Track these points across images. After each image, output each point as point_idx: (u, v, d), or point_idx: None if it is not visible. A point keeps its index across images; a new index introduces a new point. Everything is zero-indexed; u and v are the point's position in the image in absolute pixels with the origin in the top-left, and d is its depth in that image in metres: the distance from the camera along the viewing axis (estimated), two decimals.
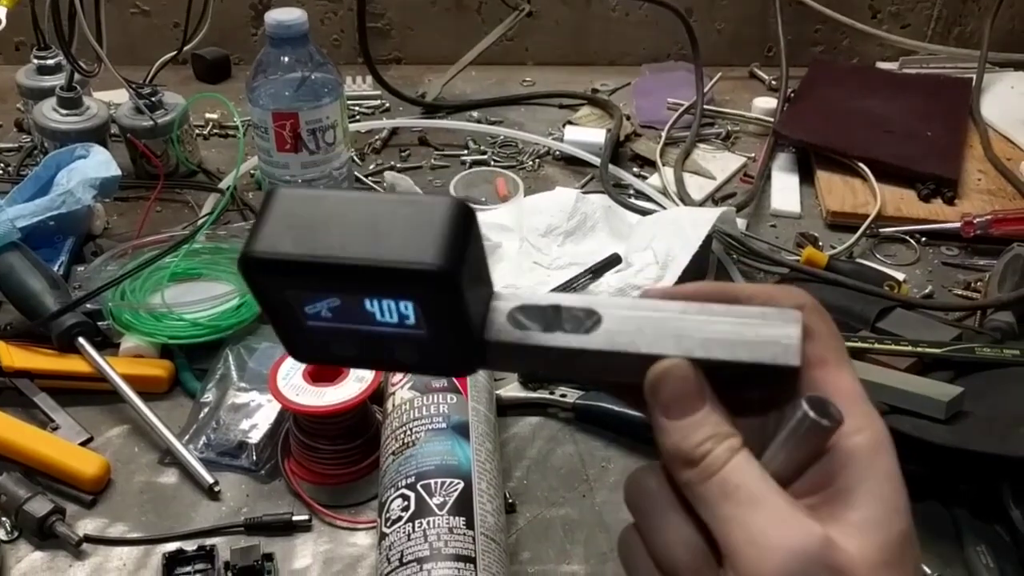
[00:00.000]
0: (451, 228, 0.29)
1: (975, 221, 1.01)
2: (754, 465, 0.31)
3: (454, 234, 0.29)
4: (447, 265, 0.29)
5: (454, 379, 0.70)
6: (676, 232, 0.91)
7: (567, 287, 0.90)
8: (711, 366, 0.32)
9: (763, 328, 0.31)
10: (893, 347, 0.80)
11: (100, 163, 0.95)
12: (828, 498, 0.31)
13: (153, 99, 1.06)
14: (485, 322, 0.33)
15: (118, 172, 0.95)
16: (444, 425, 0.66)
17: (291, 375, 0.70)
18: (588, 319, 0.32)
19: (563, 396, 0.82)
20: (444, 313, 0.31)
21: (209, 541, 0.69)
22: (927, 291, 0.96)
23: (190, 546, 0.69)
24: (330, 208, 0.31)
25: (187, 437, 0.77)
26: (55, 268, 0.90)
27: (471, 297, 0.31)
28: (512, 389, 0.83)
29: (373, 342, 0.33)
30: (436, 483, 0.62)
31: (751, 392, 0.33)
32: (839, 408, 0.30)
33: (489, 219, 0.98)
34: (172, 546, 0.69)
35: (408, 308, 0.31)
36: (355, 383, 0.70)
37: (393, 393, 0.70)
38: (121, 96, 1.13)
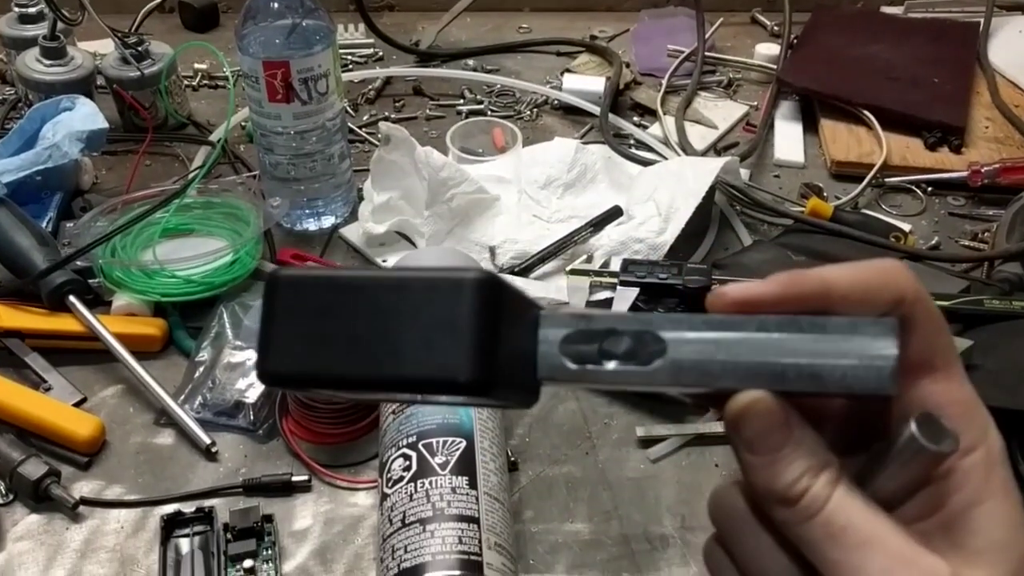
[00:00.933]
0: (479, 324, 0.26)
1: (982, 170, 0.99)
2: (858, 498, 0.28)
3: (483, 330, 0.26)
4: (479, 373, 0.26)
5: None
6: (679, 183, 0.89)
7: (567, 241, 0.88)
8: (796, 395, 0.28)
9: (854, 347, 0.27)
10: None
11: (87, 115, 0.93)
12: (943, 523, 0.28)
13: (139, 49, 1.03)
14: (536, 359, 0.29)
15: (105, 125, 0.93)
16: None
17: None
18: (649, 346, 0.28)
19: None
20: (486, 403, 0.29)
21: (207, 503, 0.68)
22: (933, 242, 0.94)
23: (188, 508, 0.67)
24: (342, 304, 0.28)
25: (182, 397, 0.76)
26: (43, 224, 0.88)
27: (510, 342, 0.28)
28: None
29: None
30: (438, 442, 0.61)
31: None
32: (953, 426, 0.27)
33: (486, 171, 0.96)
34: (170, 508, 0.68)
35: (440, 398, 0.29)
36: None
37: None
38: (107, 46, 1.10)
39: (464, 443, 0.61)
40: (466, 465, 0.60)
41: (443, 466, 0.59)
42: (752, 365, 0.28)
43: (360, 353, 0.27)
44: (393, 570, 0.55)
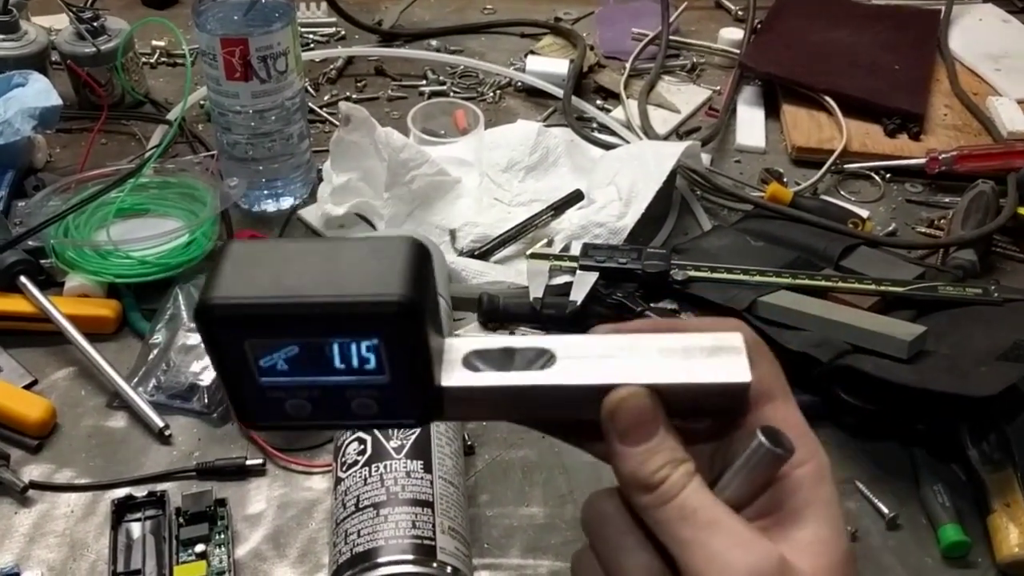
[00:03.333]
0: (411, 263, 0.30)
1: (940, 157, 0.99)
2: (708, 491, 0.32)
3: (414, 268, 0.30)
4: (412, 294, 0.29)
5: None
6: (640, 167, 0.89)
7: (528, 225, 0.88)
8: (665, 392, 0.32)
9: (711, 350, 0.32)
10: (856, 285, 0.79)
11: (39, 92, 0.91)
12: (778, 521, 0.32)
13: (95, 24, 1.01)
14: (440, 369, 0.32)
15: (59, 101, 0.91)
16: None
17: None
18: (541, 357, 0.32)
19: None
20: (407, 349, 0.30)
21: (160, 487, 0.68)
22: (891, 228, 0.95)
23: (140, 492, 0.67)
24: (287, 254, 0.31)
25: (136, 379, 0.75)
26: None
27: (431, 334, 0.31)
28: (471, 330, 0.81)
29: (329, 396, 0.32)
30: (394, 428, 0.60)
31: (699, 422, 0.35)
32: (789, 440, 0.32)
33: (448, 153, 0.95)
34: (121, 492, 0.67)
35: (371, 349, 0.30)
36: None
37: None
38: (61, 21, 1.08)
39: (420, 429, 0.61)
40: (421, 449, 0.60)
41: (398, 450, 0.59)
42: (627, 364, 0.32)
43: (302, 287, 0.29)
44: (346, 555, 0.55)
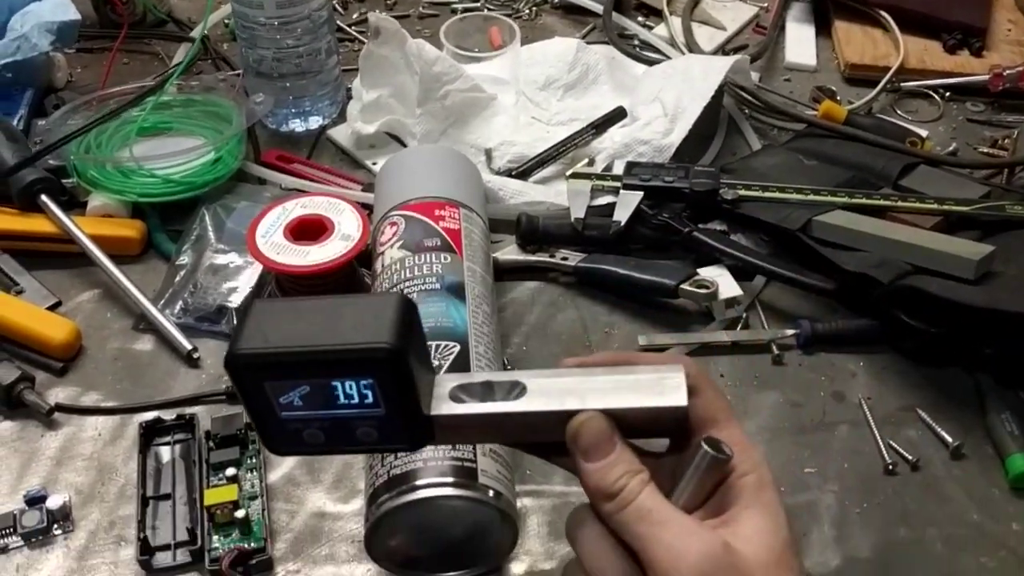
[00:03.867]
0: (397, 316, 0.36)
1: (1004, 74, 0.94)
2: (660, 496, 0.37)
3: (400, 321, 0.36)
4: (397, 343, 0.35)
5: (448, 238, 0.64)
6: (686, 82, 0.84)
7: (568, 144, 0.83)
8: (618, 415, 0.38)
9: (655, 381, 0.38)
10: (918, 204, 0.75)
11: (57, 6, 0.87)
12: (724, 520, 0.37)
13: None
14: (431, 401, 0.38)
15: (77, 16, 0.87)
16: (438, 285, 0.61)
17: (271, 232, 0.65)
18: (515, 389, 0.38)
19: (564, 259, 0.77)
20: (397, 386, 0.36)
21: (189, 410, 0.65)
22: (951, 148, 0.90)
23: (169, 415, 0.65)
24: (299, 311, 0.37)
25: (163, 302, 0.72)
26: (14, 122, 0.84)
27: (418, 374, 0.37)
28: (510, 252, 0.78)
29: (338, 426, 0.38)
30: (431, 346, 0.57)
31: (651, 441, 0.40)
32: (733, 455, 0.38)
33: (482, 71, 0.90)
34: (150, 415, 0.65)
35: (368, 387, 0.36)
36: (340, 241, 0.64)
37: (382, 253, 0.65)
38: None
39: (458, 347, 0.58)
40: (460, 370, 0.57)
41: (436, 371, 0.56)
42: (585, 393, 0.38)
43: (308, 338, 0.36)
44: (383, 477, 0.52)
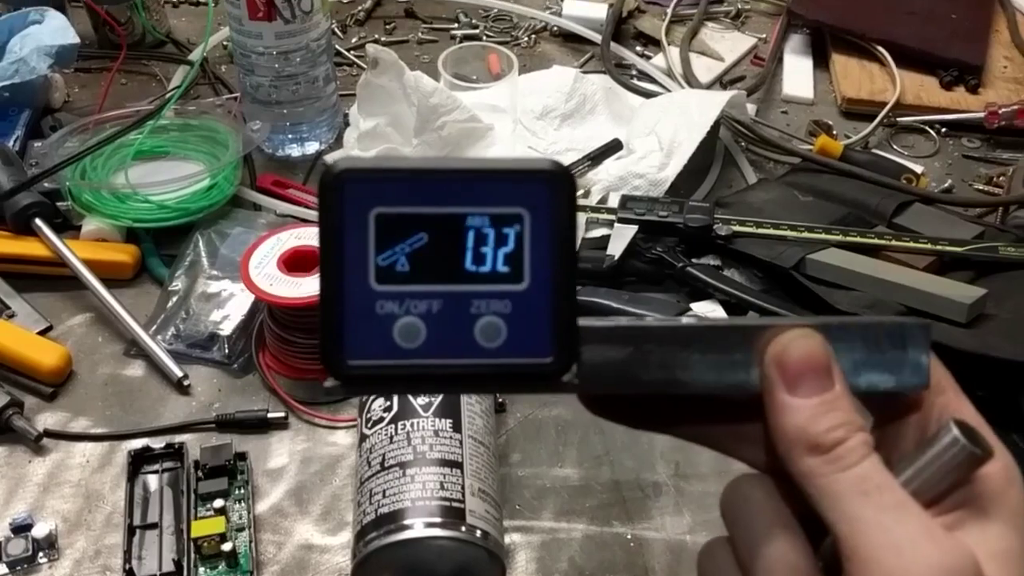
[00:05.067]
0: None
1: (1000, 111, 0.94)
2: (889, 471, 0.27)
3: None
4: (566, 169, 0.27)
5: None
6: (682, 116, 0.84)
7: None
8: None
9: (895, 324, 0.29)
10: (911, 244, 0.75)
11: (56, 29, 0.87)
12: (961, 520, 0.28)
13: None
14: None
15: (76, 40, 0.87)
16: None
17: (265, 263, 0.65)
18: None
19: None
20: (557, 231, 0.26)
21: (178, 438, 0.65)
22: (946, 185, 0.90)
23: (157, 443, 0.64)
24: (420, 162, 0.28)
25: (154, 327, 0.72)
26: (9, 144, 0.84)
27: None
28: None
29: (451, 312, 0.27)
30: None
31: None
32: (990, 444, 0.28)
33: (480, 99, 0.90)
34: (138, 443, 0.65)
35: (511, 237, 0.26)
36: None
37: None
38: None
39: None
40: (450, 407, 0.57)
41: (426, 408, 0.56)
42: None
43: (442, 163, 0.28)
44: (371, 515, 0.52)
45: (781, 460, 0.28)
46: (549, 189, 0.26)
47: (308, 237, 0.66)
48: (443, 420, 0.56)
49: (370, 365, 0.27)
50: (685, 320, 0.29)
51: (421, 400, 0.56)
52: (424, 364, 0.27)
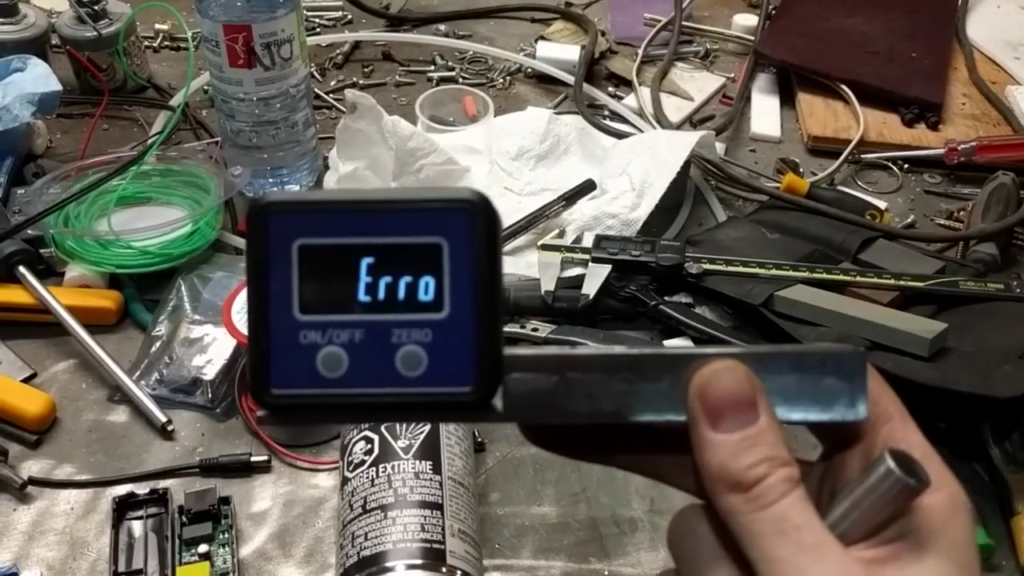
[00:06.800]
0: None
1: (959, 147, 0.97)
2: (813, 508, 0.27)
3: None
4: (485, 198, 0.26)
5: None
6: (653, 157, 0.87)
7: (539, 215, 0.86)
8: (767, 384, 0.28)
9: (834, 382, 0.28)
10: (875, 280, 0.77)
11: (39, 77, 0.89)
12: (896, 553, 0.27)
13: (96, 7, 0.99)
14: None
15: (59, 87, 0.89)
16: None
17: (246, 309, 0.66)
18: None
19: (535, 330, 0.78)
20: (477, 258, 0.26)
21: (162, 484, 0.66)
22: (909, 220, 0.93)
23: (142, 489, 0.65)
24: (353, 193, 0.29)
25: (138, 373, 0.73)
26: None
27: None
28: None
29: (372, 340, 0.27)
30: (401, 426, 0.59)
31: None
32: (927, 474, 0.27)
33: (457, 141, 0.93)
34: (123, 489, 0.66)
35: (430, 270, 0.27)
36: None
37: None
38: (61, 4, 1.06)
39: (428, 426, 0.59)
40: (430, 449, 0.58)
41: (406, 450, 0.58)
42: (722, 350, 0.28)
43: (364, 193, 0.28)
44: (353, 558, 0.54)
45: (708, 495, 0.28)
46: (468, 219, 0.26)
47: None
48: (423, 462, 0.57)
49: (294, 395, 0.27)
50: (616, 349, 0.28)
51: (402, 442, 0.58)
52: (346, 394, 0.27)
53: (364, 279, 0.26)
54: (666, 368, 0.28)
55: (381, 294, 0.26)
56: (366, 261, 0.26)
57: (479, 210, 0.26)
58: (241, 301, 0.66)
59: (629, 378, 0.28)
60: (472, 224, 0.26)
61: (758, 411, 0.27)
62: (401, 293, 0.26)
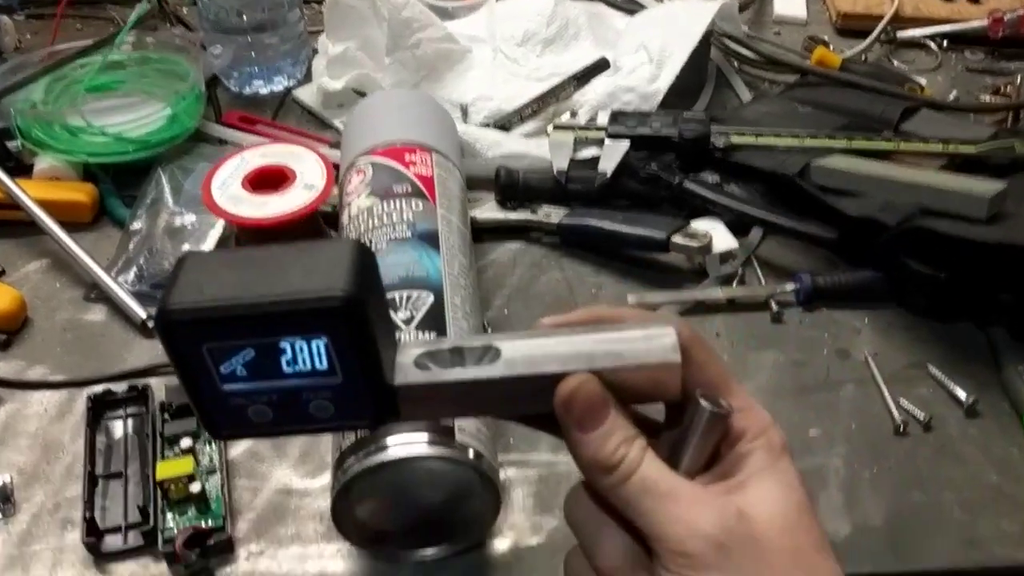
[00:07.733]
0: (353, 264, 0.31)
1: (1004, 19, 0.89)
2: (661, 463, 0.33)
3: (358, 268, 0.31)
4: (354, 291, 0.30)
5: (420, 184, 0.59)
6: (671, 26, 0.79)
7: (548, 97, 0.79)
8: (606, 379, 0.33)
9: (644, 338, 0.34)
10: (921, 146, 0.70)
11: None
12: (732, 485, 0.34)
13: None
14: (393, 370, 0.34)
15: None
16: (409, 234, 0.56)
17: (229, 183, 0.59)
18: (487, 353, 0.34)
19: (547, 216, 0.72)
20: (356, 345, 0.31)
21: (142, 382, 0.60)
22: (952, 97, 0.86)
23: (121, 387, 0.59)
24: (240, 261, 0.32)
25: (116, 269, 0.67)
26: None
27: (379, 334, 0.32)
28: (488, 209, 0.73)
29: (288, 399, 0.33)
30: (401, 296, 0.52)
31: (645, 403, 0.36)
32: (737, 417, 0.34)
33: (456, 29, 0.85)
34: (100, 388, 0.60)
35: (320, 348, 0.31)
36: (303, 191, 0.59)
37: (349, 203, 0.60)
38: None
39: (432, 297, 0.53)
40: (434, 320, 0.52)
41: (407, 321, 0.51)
42: (568, 354, 0.34)
43: (252, 289, 0.31)
44: (351, 438, 0.47)
45: (587, 479, 0.34)
46: (341, 317, 0.30)
47: (275, 155, 0.61)
48: (428, 333, 0.51)
49: (237, 433, 0.34)
50: (495, 375, 0.33)
51: (402, 314, 0.51)
52: (276, 430, 0.34)
53: (270, 361, 0.31)
54: (535, 386, 0.33)
55: (287, 368, 0.32)
56: (268, 348, 0.31)
57: (348, 310, 0.30)
58: (223, 175, 0.60)
59: (507, 393, 0.34)
60: (345, 320, 0.30)
61: (609, 407, 0.33)
62: (304, 366, 0.32)
